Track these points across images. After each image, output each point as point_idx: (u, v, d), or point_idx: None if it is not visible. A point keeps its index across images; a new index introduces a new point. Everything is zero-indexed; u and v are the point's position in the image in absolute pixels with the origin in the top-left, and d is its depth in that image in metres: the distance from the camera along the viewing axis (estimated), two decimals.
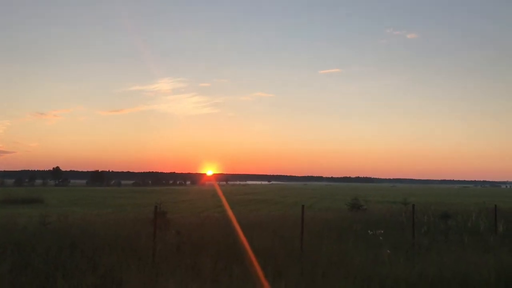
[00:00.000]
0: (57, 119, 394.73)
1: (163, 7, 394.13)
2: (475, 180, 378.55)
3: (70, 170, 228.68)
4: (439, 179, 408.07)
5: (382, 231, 12.88)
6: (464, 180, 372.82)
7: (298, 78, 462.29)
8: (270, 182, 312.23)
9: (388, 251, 10.18)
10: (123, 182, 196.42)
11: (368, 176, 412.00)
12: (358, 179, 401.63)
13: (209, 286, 7.27)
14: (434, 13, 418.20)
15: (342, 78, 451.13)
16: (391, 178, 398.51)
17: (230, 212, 20.16)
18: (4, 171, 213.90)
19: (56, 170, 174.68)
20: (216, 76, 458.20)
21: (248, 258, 9.14)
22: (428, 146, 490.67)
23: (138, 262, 8.46)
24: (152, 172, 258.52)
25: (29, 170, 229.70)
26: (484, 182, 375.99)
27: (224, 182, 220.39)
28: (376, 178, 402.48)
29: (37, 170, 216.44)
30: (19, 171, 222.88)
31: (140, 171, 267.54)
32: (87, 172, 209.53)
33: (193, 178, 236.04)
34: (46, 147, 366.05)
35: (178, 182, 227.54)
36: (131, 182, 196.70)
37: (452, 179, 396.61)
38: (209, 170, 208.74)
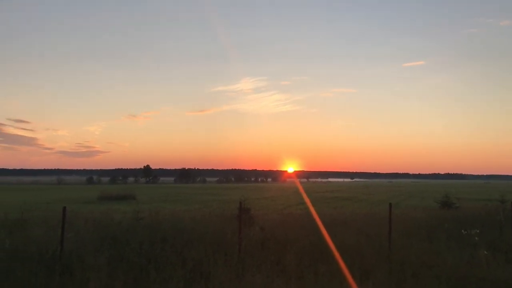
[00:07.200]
0: (147, 121, 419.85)
1: (243, 9, 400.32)
2: None
3: (159, 168, 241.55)
4: None
5: (478, 231, 12.00)
6: None
7: (380, 72, 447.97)
8: (353, 179, 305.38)
9: (485, 252, 9.48)
10: (207, 179, 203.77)
11: (459, 172, 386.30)
12: (448, 176, 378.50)
13: (294, 282, 7.25)
14: None
15: (427, 70, 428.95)
16: (485, 174, 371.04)
17: (312, 209, 19.97)
18: (101, 169, 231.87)
19: (147, 168, 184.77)
20: (296, 73, 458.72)
21: (333, 256, 8.99)
22: None
23: (225, 257, 8.66)
24: (235, 169, 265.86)
25: (122, 168, 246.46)
26: None
27: (305, 180, 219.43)
28: (468, 175, 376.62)
29: (129, 169, 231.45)
30: (113, 169, 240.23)
31: (223, 168, 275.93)
32: (175, 170, 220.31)
33: (274, 175, 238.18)
34: (137, 146, 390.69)
35: (260, 179, 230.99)
36: (215, 179, 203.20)
37: None
38: (290, 168, 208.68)
